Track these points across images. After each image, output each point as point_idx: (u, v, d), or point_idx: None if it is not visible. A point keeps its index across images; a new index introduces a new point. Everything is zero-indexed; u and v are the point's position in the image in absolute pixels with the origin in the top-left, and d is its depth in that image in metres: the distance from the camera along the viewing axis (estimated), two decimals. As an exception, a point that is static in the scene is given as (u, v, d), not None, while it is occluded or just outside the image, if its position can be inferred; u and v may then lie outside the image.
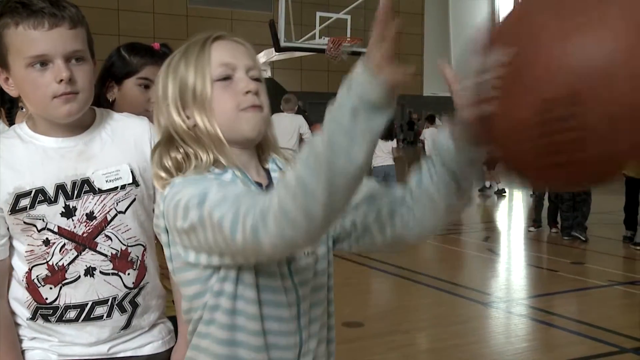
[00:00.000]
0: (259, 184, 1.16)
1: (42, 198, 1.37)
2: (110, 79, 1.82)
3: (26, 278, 1.41)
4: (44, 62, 1.31)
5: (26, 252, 1.40)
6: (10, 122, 2.01)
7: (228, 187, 1.05)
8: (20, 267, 1.42)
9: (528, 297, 5.34)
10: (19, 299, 1.43)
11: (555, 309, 4.86)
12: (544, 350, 3.99)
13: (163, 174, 1.12)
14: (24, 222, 1.37)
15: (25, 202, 1.36)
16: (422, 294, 5.42)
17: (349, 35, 14.18)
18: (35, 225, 1.37)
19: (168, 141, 1.14)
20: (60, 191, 1.38)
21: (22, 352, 1.44)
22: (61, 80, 1.31)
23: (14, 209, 1.36)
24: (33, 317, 1.42)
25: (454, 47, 35.17)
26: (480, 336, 4.29)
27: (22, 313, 1.43)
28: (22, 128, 1.43)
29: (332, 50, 13.10)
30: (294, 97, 8.05)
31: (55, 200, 1.38)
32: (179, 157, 1.13)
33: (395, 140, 8.89)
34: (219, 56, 1.15)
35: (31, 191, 1.36)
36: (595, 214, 7.49)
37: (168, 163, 1.13)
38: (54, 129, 1.40)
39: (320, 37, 14.02)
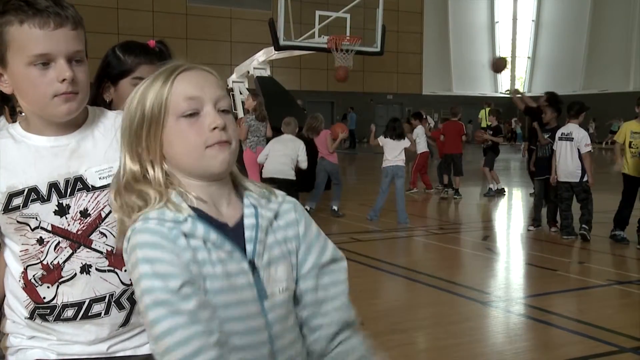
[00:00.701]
0: (223, 226, 1.15)
1: (35, 197, 1.37)
2: (107, 79, 1.81)
3: (23, 278, 1.41)
4: (46, 61, 1.31)
5: (20, 251, 1.40)
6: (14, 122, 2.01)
7: (181, 302, 1.04)
8: (16, 267, 1.42)
9: (527, 296, 5.33)
10: (18, 297, 1.43)
11: (554, 308, 4.86)
12: (542, 350, 3.99)
13: (124, 218, 1.15)
14: (17, 221, 1.37)
15: (18, 201, 1.36)
16: (421, 293, 5.41)
17: (348, 34, 14.17)
18: (28, 224, 1.37)
19: (125, 183, 1.17)
20: (53, 189, 1.38)
21: (19, 350, 1.44)
22: (63, 80, 1.32)
23: (7, 208, 1.36)
24: (31, 317, 1.42)
25: (453, 46, 35.14)
26: (479, 335, 4.29)
27: (21, 312, 1.43)
28: (15, 128, 1.43)
29: (342, 73, 13.51)
30: (294, 121, 7.94)
31: (48, 199, 1.38)
32: (133, 198, 1.14)
33: (406, 140, 8.84)
34: (184, 89, 1.14)
35: (24, 190, 1.37)
36: (596, 213, 7.49)
37: (125, 204, 1.15)
38: (47, 128, 1.40)
39: (319, 36, 14.03)
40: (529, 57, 37.10)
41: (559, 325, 4.42)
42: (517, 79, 37.63)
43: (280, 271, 1.18)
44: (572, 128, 7.42)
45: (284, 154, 7.45)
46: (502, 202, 11.51)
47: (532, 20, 36.88)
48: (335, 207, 8.93)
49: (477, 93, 34.41)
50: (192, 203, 1.13)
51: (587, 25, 33.36)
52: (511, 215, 10.20)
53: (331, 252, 1.26)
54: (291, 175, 7.41)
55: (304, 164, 7.54)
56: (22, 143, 1.40)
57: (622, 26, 31.34)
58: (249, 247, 1.15)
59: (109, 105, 1.81)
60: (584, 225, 7.31)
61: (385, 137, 8.65)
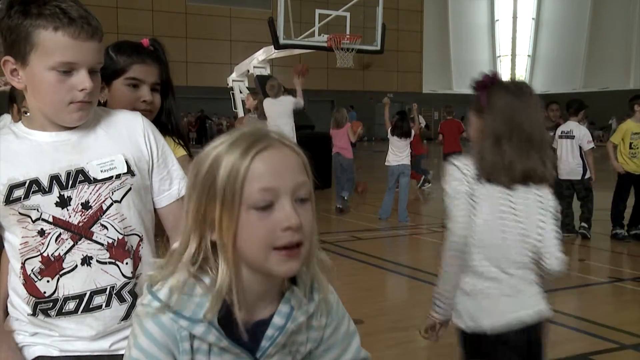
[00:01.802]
0: (241, 332, 1.04)
1: (36, 188, 1.38)
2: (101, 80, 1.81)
3: (22, 274, 1.41)
4: (69, 69, 1.35)
5: (20, 244, 1.41)
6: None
7: None
8: (15, 262, 1.43)
9: (528, 294, 5.33)
10: (20, 294, 1.43)
11: (555, 306, 4.83)
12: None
13: (151, 272, 1.07)
14: (19, 213, 1.38)
15: (19, 192, 1.37)
16: (421, 290, 5.41)
17: (348, 32, 14.16)
18: (29, 216, 1.38)
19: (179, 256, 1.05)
20: (54, 181, 1.39)
21: (23, 347, 1.45)
22: (83, 89, 1.36)
23: (8, 200, 1.38)
24: (33, 313, 1.42)
25: (453, 44, 35.14)
26: (480, 333, 4.28)
27: (23, 309, 1.44)
28: (17, 126, 1.46)
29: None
30: (277, 82, 8.63)
31: (50, 190, 1.39)
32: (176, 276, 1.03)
33: (413, 136, 8.85)
34: (259, 177, 0.98)
35: (25, 182, 1.38)
36: (596, 211, 7.49)
37: (164, 269, 1.05)
38: (50, 125, 1.42)
39: (319, 35, 14.02)
40: (529, 56, 37.09)
41: (560, 322, 4.42)
42: (518, 77, 37.65)
43: None
44: (572, 126, 7.42)
45: (279, 114, 8.20)
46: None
47: (532, 19, 36.87)
48: (345, 197, 9.22)
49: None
50: (222, 298, 1.02)
51: (587, 23, 33.35)
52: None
53: (352, 354, 1.18)
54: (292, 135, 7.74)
55: (300, 104, 8.62)
56: (24, 139, 1.42)
57: (622, 24, 31.34)
58: (263, 344, 1.07)
59: (104, 106, 1.81)
60: (583, 224, 7.31)
61: (392, 135, 8.65)
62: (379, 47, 14.50)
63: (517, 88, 2.18)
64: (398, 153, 8.55)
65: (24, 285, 1.41)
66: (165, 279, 1.04)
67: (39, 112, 1.42)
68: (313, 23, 14.19)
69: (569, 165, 7.33)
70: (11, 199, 1.37)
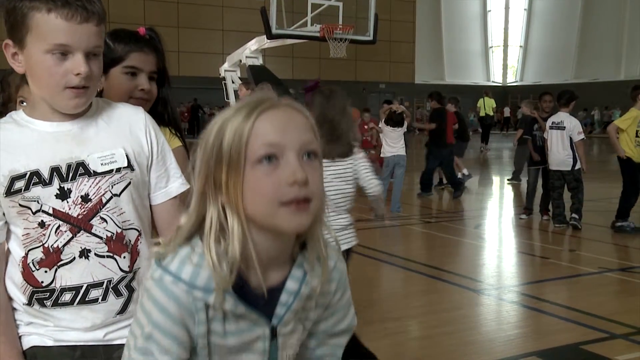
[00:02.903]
0: (257, 295, 1.05)
1: (37, 180, 1.38)
2: None
3: (22, 262, 1.42)
4: (64, 52, 1.33)
5: (22, 235, 1.41)
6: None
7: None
8: (17, 251, 1.43)
9: (519, 284, 5.36)
10: (16, 283, 1.44)
11: (546, 296, 4.89)
12: (535, 337, 4.02)
13: (156, 248, 1.06)
14: (19, 205, 1.38)
15: (20, 184, 1.37)
16: (413, 281, 5.44)
17: (340, 22, 14.12)
18: (30, 208, 1.38)
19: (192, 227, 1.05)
20: (55, 173, 1.39)
21: (19, 337, 1.45)
22: (78, 74, 1.34)
23: (9, 191, 1.37)
24: (29, 302, 1.42)
25: (446, 35, 35.10)
26: (472, 323, 4.31)
27: (19, 298, 1.43)
28: (18, 114, 1.44)
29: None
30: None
31: (50, 182, 1.39)
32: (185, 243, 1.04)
33: (405, 125, 8.80)
34: (264, 132, 0.99)
35: (26, 173, 1.37)
36: (586, 202, 7.53)
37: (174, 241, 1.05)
38: (51, 114, 1.42)
39: (312, 25, 13.98)
40: (521, 46, 37.14)
41: (551, 312, 4.45)
42: (510, 68, 37.66)
43: (294, 338, 1.12)
44: (563, 117, 7.43)
45: None
46: (494, 191, 11.56)
47: (524, 9, 36.89)
48: None
49: (469, 82, 34.42)
50: (235, 268, 1.01)
51: (579, 14, 33.40)
52: (503, 203, 10.24)
53: (348, 322, 1.21)
54: None
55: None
56: (25, 127, 1.41)
57: (613, 15, 31.40)
58: (279, 311, 1.07)
59: (100, 95, 1.80)
60: (574, 215, 7.34)
61: (386, 126, 8.64)
62: (371, 37, 14.47)
63: (330, 92, 3.25)
64: (392, 144, 8.53)
65: (22, 273, 1.41)
66: (175, 252, 1.03)
67: (40, 99, 1.41)
68: (305, 13, 14.14)
69: (559, 157, 7.35)
70: (12, 190, 1.37)
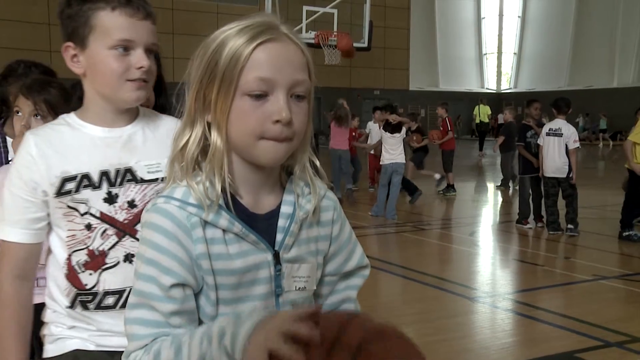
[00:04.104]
0: (253, 215, 1.08)
1: (87, 183, 1.42)
2: None
3: (67, 265, 1.45)
4: (127, 47, 1.39)
5: (67, 237, 1.43)
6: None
7: (161, 302, 1.01)
8: (60, 253, 1.45)
9: (514, 291, 5.36)
10: (59, 285, 1.46)
11: (541, 304, 4.89)
12: (529, 345, 4.01)
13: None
14: (68, 206, 1.41)
15: (70, 185, 1.41)
16: (408, 288, 5.43)
17: (335, 29, 14.15)
18: (77, 210, 1.42)
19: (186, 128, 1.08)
20: (104, 177, 1.43)
21: (59, 339, 1.47)
22: (140, 67, 1.40)
23: (59, 192, 1.40)
24: (72, 305, 1.45)
25: (440, 41, 35.21)
26: (466, 331, 4.30)
27: (62, 301, 1.46)
28: (70, 117, 1.48)
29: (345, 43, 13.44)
30: None
31: (99, 186, 1.43)
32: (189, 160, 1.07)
33: (403, 131, 8.77)
34: (258, 66, 1.01)
35: (77, 175, 1.41)
36: (580, 209, 7.54)
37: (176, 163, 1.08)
38: (102, 119, 1.46)
39: (306, 32, 14.00)
40: (515, 53, 37.27)
41: (545, 320, 4.45)
42: (504, 75, 37.79)
43: (303, 269, 1.12)
44: (560, 124, 7.44)
45: None
46: (489, 198, 11.58)
47: (518, 17, 37.04)
48: (351, 187, 10.21)
49: (463, 89, 34.53)
50: (227, 186, 1.05)
51: (572, 22, 33.57)
52: (497, 211, 10.25)
53: (357, 260, 1.22)
54: None
55: None
56: (78, 131, 1.45)
57: (606, 23, 31.57)
58: (278, 237, 1.09)
59: None
60: (570, 226, 7.35)
61: (385, 132, 8.63)
62: (366, 44, 14.51)
63: None
64: (391, 151, 8.51)
65: (66, 275, 1.44)
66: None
67: (97, 101, 1.45)
68: (300, 20, 14.16)
69: (555, 163, 7.35)
70: (62, 191, 1.40)
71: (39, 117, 2.10)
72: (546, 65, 34.30)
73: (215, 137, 1.04)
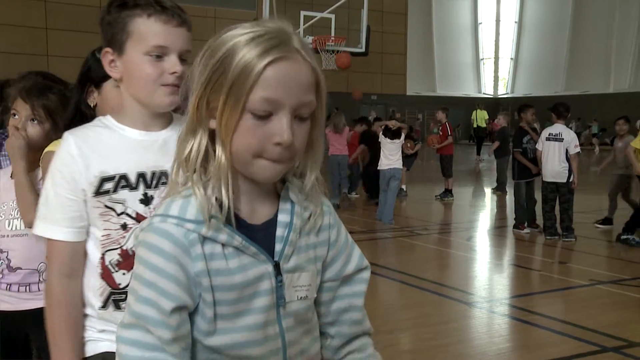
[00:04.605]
0: (251, 226, 1.05)
1: (125, 183, 1.45)
2: (89, 83, 1.80)
3: (100, 264, 1.46)
4: (161, 53, 1.43)
5: (102, 236, 1.45)
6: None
7: (160, 327, 0.99)
8: (94, 253, 1.47)
9: (511, 296, 5.37)
10: (92, 287, 1.47)
11: (538, 309, 4.89)
12: (526, 350, 4.01)
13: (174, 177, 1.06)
14: (105, 206, 1.44)
15: (108, 185, 1.43)
16: (405, 293, 5.43)
17: (333, 34, 14.18)
18: (114, 209, 1.44)
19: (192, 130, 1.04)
20: (141, 179, 1.46)
21: (89, 342, 1.49)
22: (174, 73, 1.43)
23: (98, 192, 1.43)
24: (104, 305, 1.46)
25: (437, 46, 35.28)
26: (464, 336, 4.30)
27: (94, 303, 1.47)
28: (108, 119, 1.51)
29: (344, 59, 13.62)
30: None
31: (136, 187, 1.46)
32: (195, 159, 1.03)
33: (402, 137, 8.81)
34: (266, 86, 0.97)
35: (115, 176, 1.44)
36: (577, 214, 7.56)
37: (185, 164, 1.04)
38: (138, 123, 1.49)
39: (304, 36, 14.02)
40: (512, 59, 37.37)
41: (542, 325, 4.45)
42: (501, 80, 37.88)
43: (303, 278, 1.10)
44: (560, 129, 7.45)
45: None
46: (486, 203, 11.59)
47: (515, 22, 37.15)
48: (346, 192, 10.29)
49: (460, 94, 34.59)
50: (225, 199, 1.01)
51: (569, 27, 33.67)
52: (494, 215, 10.26)
53: (356, 262, 1.20)
54: None
55: None
56: (116, 132, 1.48)
57: (602, 28, 31.68)
58: (277, 247, 1.07)
59: (93, 110, 1.80)
60: (565, 233, 7.36)
61: (384, 137, 8.67)
62: (363, 49, 14.53)
63: None
64: (390, 156, 8.56)
65: (101, 275, 1.46)
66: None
67: (133, 105, 1.48)
68: (298, 24, 14.18)
69: (555, 168, 7.36)
70: (101, 191, 1.43)
71: (35, 121, 2.10)
72: (543, 71, 34.40)
73: (220, 154, 1.01)
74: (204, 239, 1.01)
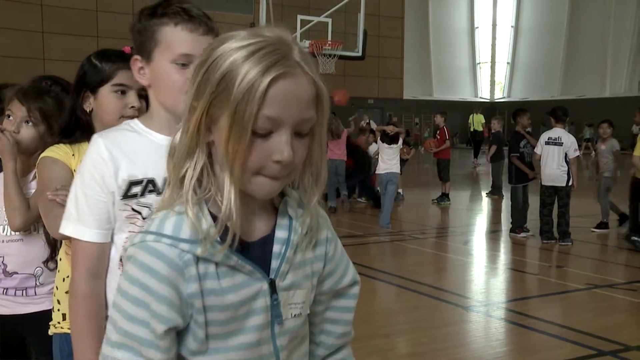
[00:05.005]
0: (246, 244, 1.02)
1: (152, 188, 1.46)
2: (85, 88, 1.80)
3: (121, 266, 1.45)
4: (186, 62, 1.43)
5: (126, 238, 1.45)
6: None
7: (152, 349, 0.96)
8: (115, 255, 1.48)
9: (507, 300, 5.36)
10: (112, 288, 1.47)
11: (534, 313, 4.89)
12: (522, 354, 4.01)
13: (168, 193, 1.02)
14: (132, 209, 1.45)
15: (136, 189, 1.45)
16: (402, 297, 5.42)
17: (329, 38, 14.20)
18: (141, 213, 1.45)
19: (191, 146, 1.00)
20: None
21: None
22: None
23: (126, 195, 1.44)
24: None
25: (434, 51, 35.35)
26: (460, 340, 4.30)
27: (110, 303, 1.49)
28: (136, 124, 1.52)
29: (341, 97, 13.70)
30: None
31: (163, 192, 1.42)
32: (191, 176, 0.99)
33: (400, 142, 8.90)
34: (269, 103, 0.93)
35: (143, 180, 1.45)
36: (572, 218, 7.57)
37: (183, 178, 1.01)
38: (165, 128, 1.49)
39: (301, 40, 14.04)
40: (508, 63, 37.44)
41: (539, 329, 4.45)
42: (497, 84, 37.95)
43: (298, 295, 1.07)
44: (560, 133, 7.47)
45: None
46: (483, 207, 11.59)
47: (511, 26, 37.23)
48: (347, 194, 10.33)
49: (457, 98, 34.65)
50: (226, 218, 0.97)
51: (565, 32, 33.77)
52: (491, 220, 10.27)
53: (351, 276, 1.18)
54: None
55: None
56: (144, 137, 1.49)
57: (598, 33, 31.78)
58: (274, 264, 1.03)
59: (90, 115, 1.80)
60: (561, 237, 7.37)
61: (382, 142, 8.75)
62: (360, 53, 14.56)
63: None
64: (387, 160, 8.66)
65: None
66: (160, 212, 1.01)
67: (160, 111, 1.49)
68: (295, 29, 14.21)
69: (555, 172, 7.37)
70: (129, 194, 1.44)
71: (30, 123, 2.09)
72: (539, 75, 34.48)
73: (221, 173, 0.98)
74: (198, 259, 0.97)
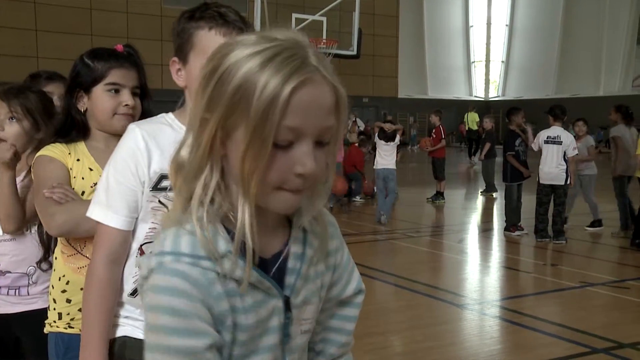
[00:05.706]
0: (261, 261, 0.95)
1: None
2: (79, 88, 1.80)
3: (139, 254, 1.51)
4: None
5: (149, 229, 1.50)
6: None
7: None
8: (133, 246, 1.52)
9: (502, 298, 5.38)
10: (126, 274, 1.52)
11: (529, 311, 4.91)
12: (516, 352, 4.02)
13: (164, 221, 0.95)
14: (159, 202, 1.48)
15: (166, 182, 1.46)
16: (397, 296, 5.43)
17: (324, 37, 14.20)
18: (167, 206, 1.47)
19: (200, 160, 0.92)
20: None
21: (113, 326, 1.53)
22: None
23: (155, 187, 1.47)
24: (133, 293, 1.50)
25: (429, 49, 35.39)
26: (455, 338, 4.31)
27: (126, 289, 1.52)
28: (172, 119, 1.54)
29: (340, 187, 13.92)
30: None
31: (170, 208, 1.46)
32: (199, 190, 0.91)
33: (398, 139, 9.03)
34: (291, 115, 0.86)
35: None
36: (569, 216, 7.59)
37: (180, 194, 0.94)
38: None
39: (295, 39, 14.05)
40: (502, 61, 37.51)
41: (533, 327, 4.47)
42: (492, 83, 38.02)
43: (308, 311, 1.02)
44: (559, 131, 7.48)
45: None
46: (477, 205, 11.62)
47: (506, 25, 37.29)
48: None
49: (452, 96, 34.69)
50: (247, 235, 0.90)
51: (559, 31, 33.85)
52: (486, 218, 10.29)
53: (356, 284, 1.14)
54: None
55: None
56: (178, 132, 1.50)
57: (592, 32, 31.88)
58: (289, 280, 0.98)
59: (84, 114, 1.79)
60: (555, 235, 7.39)
61: (380, 139, 8.92)
62: (355, 52, 14.56)
63: None
64: (385, 156, 8.84)
65: (137, 263, 1.48)
66: (164, 232, 0.93)
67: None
68: (289, 27, 14.20)
69: (553, 171, 7.38)
70: (158, 187, 1.47)
71: (14, 120, 2.09)
72: (533, 74, 34.55)
73: (239, 189, 0.90)
74: (218, 276, 0.91)
